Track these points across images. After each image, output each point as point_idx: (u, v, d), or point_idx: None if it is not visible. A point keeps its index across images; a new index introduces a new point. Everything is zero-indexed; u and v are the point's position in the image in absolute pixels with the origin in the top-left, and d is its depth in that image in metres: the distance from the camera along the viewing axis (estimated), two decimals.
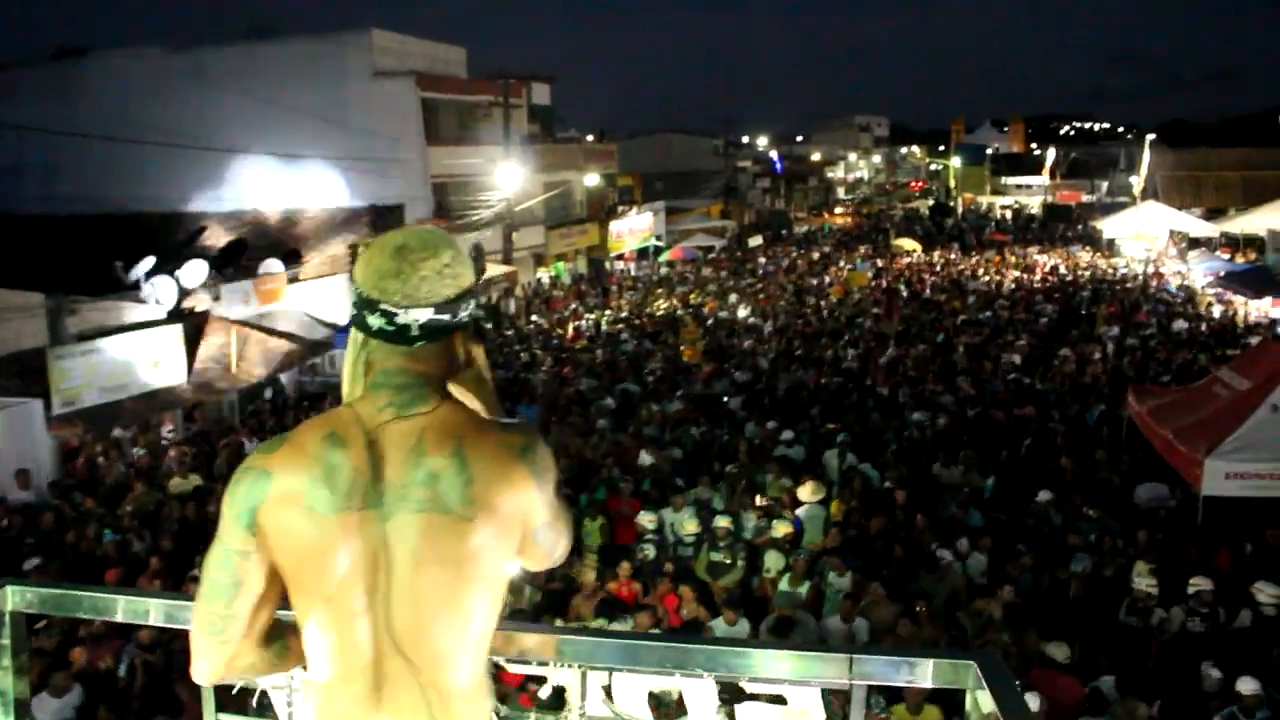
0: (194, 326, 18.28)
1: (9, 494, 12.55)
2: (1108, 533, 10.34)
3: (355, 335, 1.87)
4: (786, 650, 1.85)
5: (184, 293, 19.10)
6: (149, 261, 19.62)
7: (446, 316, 1.83)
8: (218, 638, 1.86)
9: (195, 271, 19.67)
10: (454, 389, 1.93)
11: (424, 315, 1.80)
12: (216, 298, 19.45)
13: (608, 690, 1.99)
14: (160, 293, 18.60)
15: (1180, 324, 24.02)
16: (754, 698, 1.96)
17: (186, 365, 17.56)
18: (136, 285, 18.89)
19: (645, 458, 12.83)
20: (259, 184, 26.61)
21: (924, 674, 1.80)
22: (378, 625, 1.78)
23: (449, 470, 1.75)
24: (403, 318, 1.80)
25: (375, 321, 1.81)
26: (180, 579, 9.28)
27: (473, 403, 1.94)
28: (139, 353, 16.73)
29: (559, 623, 8.04)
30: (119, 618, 2.18)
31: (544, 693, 2.03)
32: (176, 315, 18.38)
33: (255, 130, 26.23)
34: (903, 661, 1.82)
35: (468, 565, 1.77)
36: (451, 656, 1.80)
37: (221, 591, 1.84)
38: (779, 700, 1.91)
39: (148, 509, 11.87)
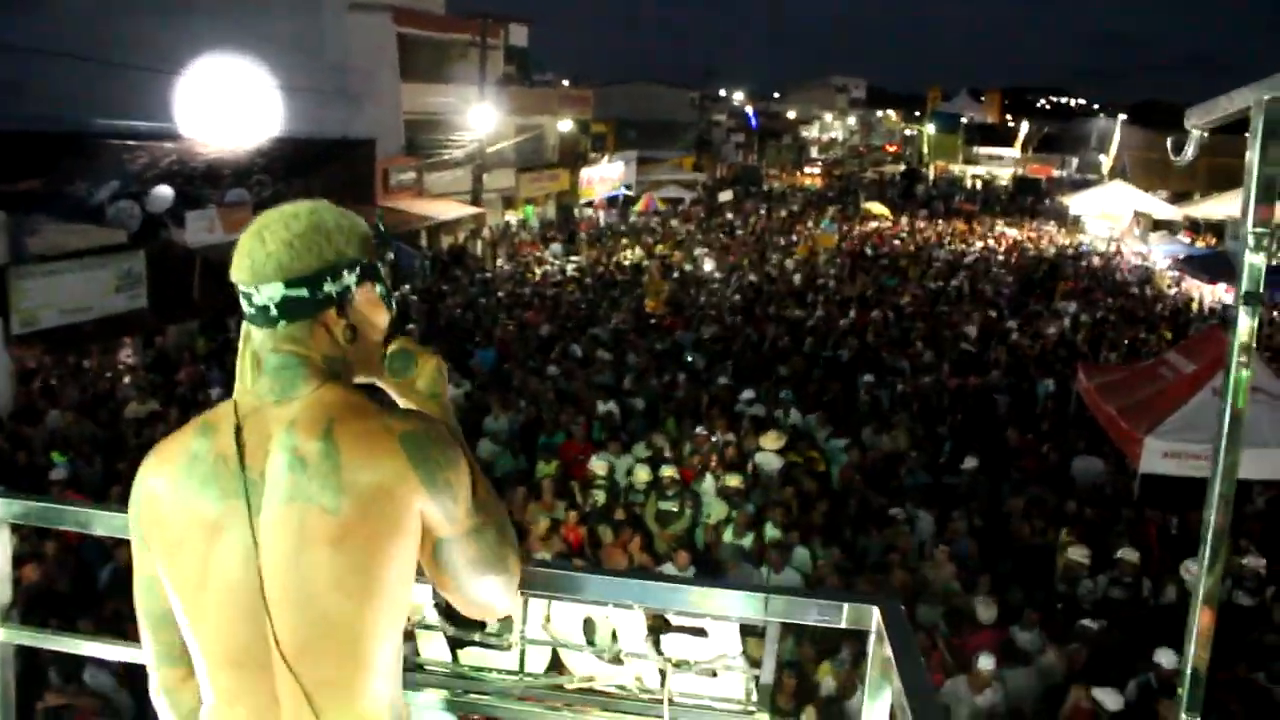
0: (157, 252, 18.18)
1: None
2: (1038, 502, 10.66)
3: (244, 325, 1.76)
4: (708, 588, 2.04)
5: (149, 217, 18.95)
6: (113, 185, 19.42)
7: (303, 292, 1.68)
8: (166, 662, 1.77)
9: (160, 197, 19.52)
10: (402, 402, 1.85)
11: (275, 292, 1.68)
12: (181, 224, 19.32)
13: (547, 616, 2.17)
14: (123, 217, 18.47)
15: (1136, 303, 24.45)
16: (679, 630, 2.14)
17: (148, 291, 17.48)
18: (101, 208, 18.72)
19: (601, 406, 13.01)
20: (229, 111, 26.31)
21: (831, 615, 1.98)
22: (264, 637, 1.59)
23: (315, 453, 1.57)
24: (257, 297, 1.69)
25: (244, 305, 1.71)
26: None
27: (405, 404, 1.85)
28: (101, 276, 16.65)
29: None
30: (99, 531, 2.29)
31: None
32: (140, 240, 18.26)
33: (226, 56, 25.88)
34: (812, 602, 2.00)
35: (344, 570, 1.56)
36: (342, 682, 1.60)
37: (153, 623, 1.75)
38: (700, 633, 2.10)
39: (87, 435, 11.92)
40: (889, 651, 1.86)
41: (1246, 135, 1.60)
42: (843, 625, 1.98)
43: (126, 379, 14.62)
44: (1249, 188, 1.43)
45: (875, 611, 1.95)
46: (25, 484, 10.47)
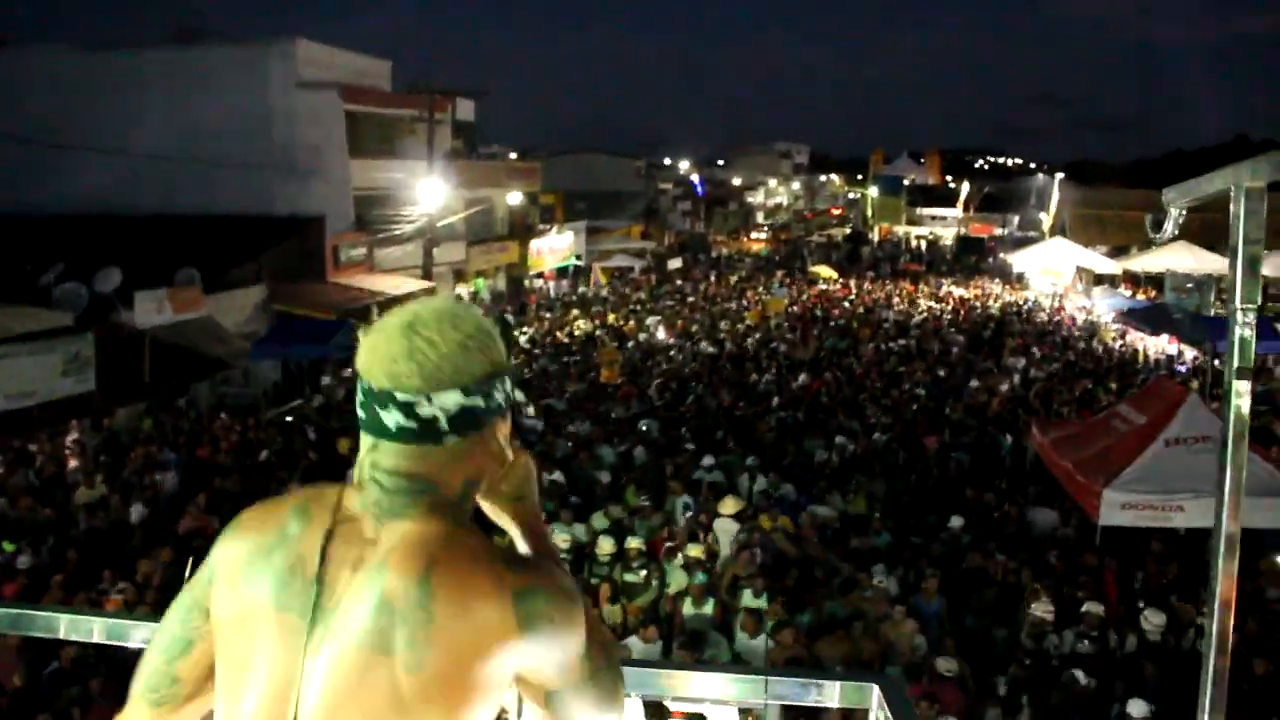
0: (105, 334, 17.97)
1: None
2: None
3: (364, 435, 1.52)
4: (707, 671, 2.02)
5: (97, 298, 18.77)
6: (59, 267, 19.27)
7: (479, 401, 1.48)
8: (151, 695, 1.56)
9: (108, 277, 19.36)
10: (486, 505, 1.65)
11: (451, 400, 1.45)
12: (130, 305, 19.14)
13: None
14: (70, 299, 18.29)
15: (1083, 357, 24.85)
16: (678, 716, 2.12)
17: (97, 373, 17.24)
18: (47, 290, 18.53)
19: (557, 476, 12.92)
20: (178, 190, 26.20)
21: (831, 695, 1.97)
22: None
23: (407, 599, 1.35)
24: (425, 408, 1.44)
25: (394, 419, 1.45)
26: (88, 589, 9.23)
27: (506, 524, 1.67)
28: (48, 360, 16.41)
29: None
30: (62, 635, 2.22)
31: None
32: (87, 322, 18.06)
33: (176, 135, 25.83)
34: (812, 683, 2.00)
35: None
36: None
37: (168, 644, 1.56)
38: (699, 718, 2.08)
39: (39, 520, 11.73)
40: None
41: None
42: (844, 705, 1.98)
43: (74, 463, 14.34)
44: (1234, 267, 1.47)
45: (875, 690, 1.95)
46: None
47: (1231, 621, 1.54)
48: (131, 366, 18.23)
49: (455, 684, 1.34)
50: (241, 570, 1.47)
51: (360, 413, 1.49)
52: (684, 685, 2.03)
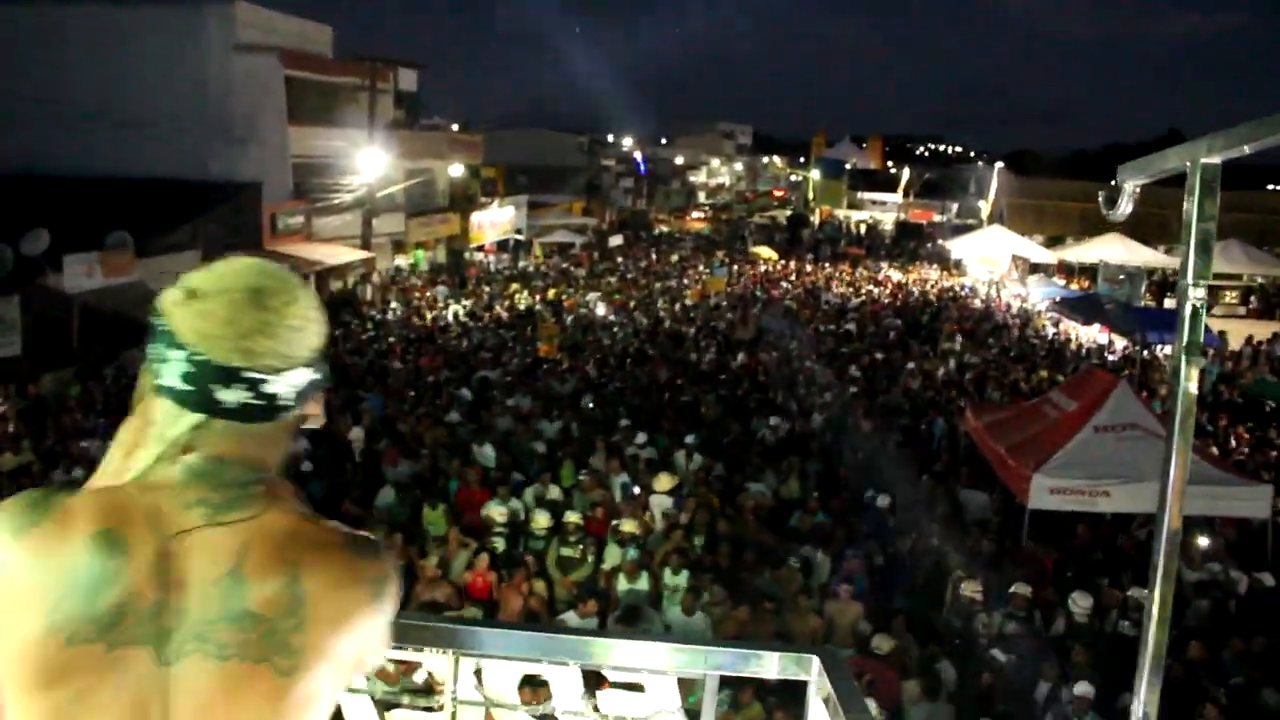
0: (32, 297, 17.53)
1: None
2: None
3: (170, 410, 1.36)
4: (647, 641, 2.01)
5: (23, 261, 18.29)
6: None
7: (319, 374, 1.41)
8: None
9: (36, 239, 18.87)
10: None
11: (302, 376, 1.38)
12: (58, 269, 18.68)
13: (478, 675, 2.11)
14: None
15: (1017, 344, 25.22)
16: (615, 685, 2.11)
17: (22, 337, 16.82)
18: None
19: (488, 451, 12.86)
20: (109, 152, 25.60)
21: (770, 666, 1.97)
22: None
23: (278, 607, 1.28)
24: (273, 385, 1.35)
25: (234, 396, 1.34)
26: None
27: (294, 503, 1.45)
28: None
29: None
30: None
31: (418, 677, 2.11)
32: (13, 285, 17.60)
33: (108, 95, 25.22)
34: (751, 654, 1.99)
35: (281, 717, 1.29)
36: None
37: None
38: (637, 688, 2.06)
39: None
40: (833, 699, 1.86)
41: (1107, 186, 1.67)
42: (782, 675, 1.97)
43: None
44: (1187, 243, 1.47)
45: (815, 661, 1.94)
46: None
47: (1172, 594, 1.55)
48: (60, 331, 17.82)
49: (328, 674, 1.32)
50: (44, 606, 1.26)
51: (180, 387, 1.34)
52: (623, 656, 2.02)
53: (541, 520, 10.44)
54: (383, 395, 16.02)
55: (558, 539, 10.22)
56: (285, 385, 1.36)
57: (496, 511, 10.55)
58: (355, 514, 10.52)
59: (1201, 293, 1.45)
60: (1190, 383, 1.48)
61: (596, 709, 2.09)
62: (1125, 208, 1.65)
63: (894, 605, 9.44)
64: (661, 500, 11.40)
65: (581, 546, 10.14)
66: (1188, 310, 1.45)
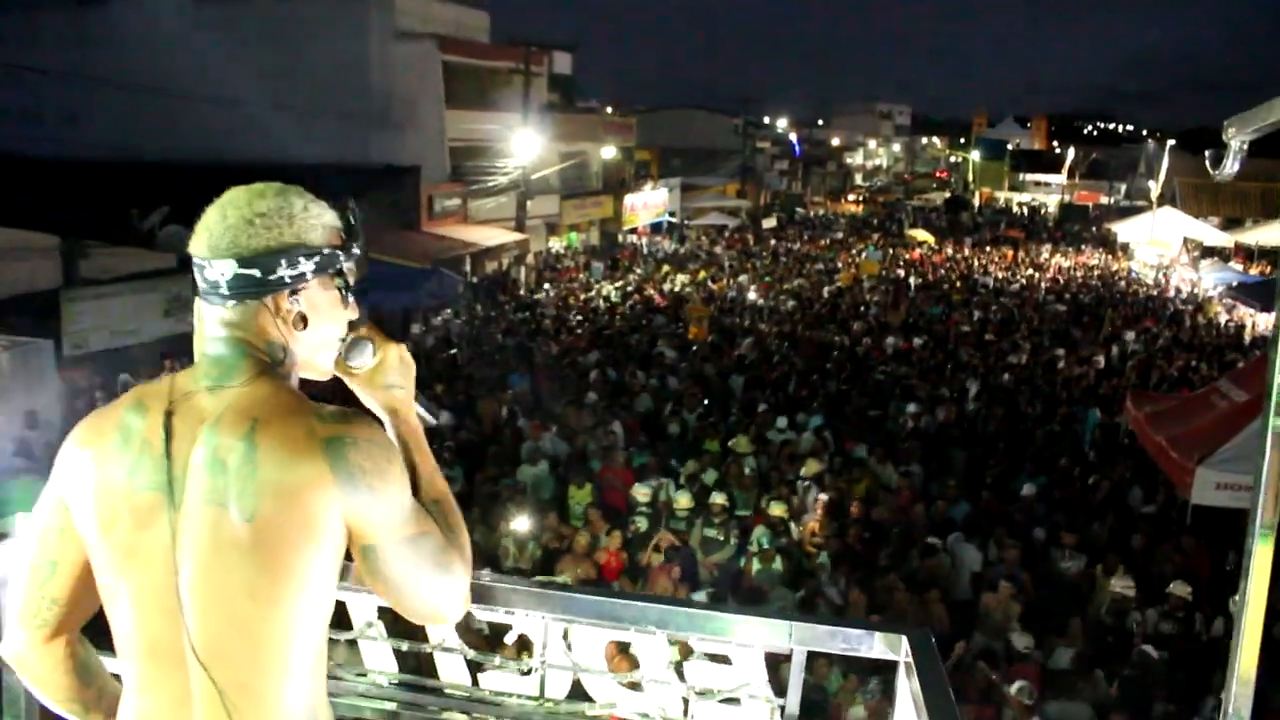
0: None
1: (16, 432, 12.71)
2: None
3: (196, 302, 1.70)
4: (732, 614, 1.99)
5: None
6: (163, 210, 19.73)
7: (254, 272, 1.62)
8: (32, 621, 1.69)
9: None
10: (359, 391, 1.80)
11: (228, 269, 1.62)
12: None
13: (566, 639, 2.12)
14: (174, 242, 18.74)
15: (1187, 331, 24.11)
16: (703, 657, 2.09)
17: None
18: (151, 233, 19.02)
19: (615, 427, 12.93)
20: (277, 138, 26.65)
21: (857, 643, 1.93)
22: (179, 633, 1.55)
23: (235, 455, 1.52)
24: (209, 271, 1.63)
25: (200, 279, 1.65)
26: None
27: (377, 409, 1.78)
28: (150, 300, 16.87)
29: None
30: None
31: (509, 639, 2.14)
32: (189, 264, 18.49)
33: (276, 85, 26.23)
34: (839, 630, 1.95)
35: (255, 575, 1.51)
36: (255, 684, 1.55)
37: (35, 573, 1.68)
38: (724, 660, 2.04)
39: None
40: (917, 682, 1.81)
41: None
42: (871, 654, 1.93)
43: None
44: None
45: (904, 641, 1.89)
46: None
47: None
48: None
49: (282, 528, 1.51)
50: (93, 476, 1.60)
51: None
52: (709, 626, 2.00)
53: (682, 501, 10.46)
54: (531, 375, 16.27)
55: (701, 520, 10.21)
56: (216, 273, 1.62)
57: (640, 492, 10.60)
58: (492, 491, 10.71)
59: None
60: None
61: (683, 679, 2.08)
62: (1232, 166, 1.53)
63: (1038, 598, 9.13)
64: (808, 486, 11.27)
65: (725, 529, 10.10)
66: None
